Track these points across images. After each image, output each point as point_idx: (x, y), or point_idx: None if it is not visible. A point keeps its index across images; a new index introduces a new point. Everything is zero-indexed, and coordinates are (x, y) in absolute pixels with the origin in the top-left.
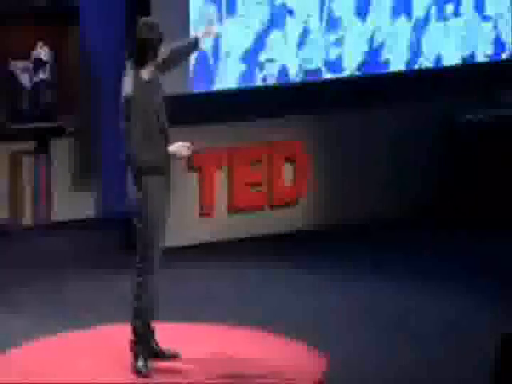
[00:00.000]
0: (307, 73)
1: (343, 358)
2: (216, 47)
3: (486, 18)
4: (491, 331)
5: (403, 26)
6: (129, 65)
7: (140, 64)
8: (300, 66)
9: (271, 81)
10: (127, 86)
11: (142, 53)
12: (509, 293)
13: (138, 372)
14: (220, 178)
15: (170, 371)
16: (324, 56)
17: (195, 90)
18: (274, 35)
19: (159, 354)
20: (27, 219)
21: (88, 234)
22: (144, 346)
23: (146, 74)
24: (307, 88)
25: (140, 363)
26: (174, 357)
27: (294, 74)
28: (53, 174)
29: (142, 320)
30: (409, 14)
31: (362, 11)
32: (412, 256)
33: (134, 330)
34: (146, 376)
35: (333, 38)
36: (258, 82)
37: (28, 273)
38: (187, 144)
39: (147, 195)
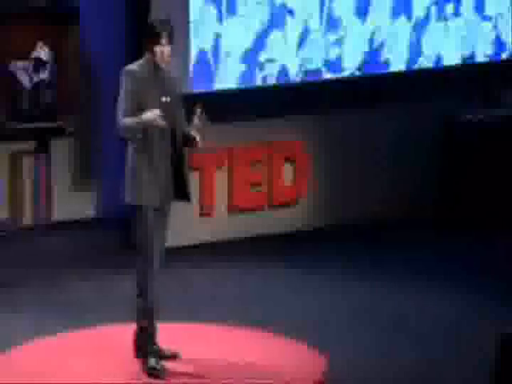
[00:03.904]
0: (307, 73)
1: (343, 358)
2: (216, 47)
3: (485, 18)
4: (491, 331)
5: (403, 26)
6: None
7: (147, 51)
8: (300, 65)
9: (271, 81)
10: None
11: (145, 38)
12: (509, 293)
13: (151, 369)
14: (220, 178)
15: (170, 371)
16: (324, 56)
17: (195, 90)
18: (274, 35)
19: (159, 354)
20: (27, 219)
21: (88, 234)
22: (151, 340)
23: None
24: (307, 88)
25: (152, 361)
26: (174, 357)
27: (294, 74)
28: (53, 173)
29: (147, 319)
30: (409, 14)
31: (362, 11)
32: (412, 256)
33: (142, 330)
34: (160, 372)
35: (333, 38)
36: (258, 82)
37: (28, 273)
38: (156, 111)
39: (136, 180)
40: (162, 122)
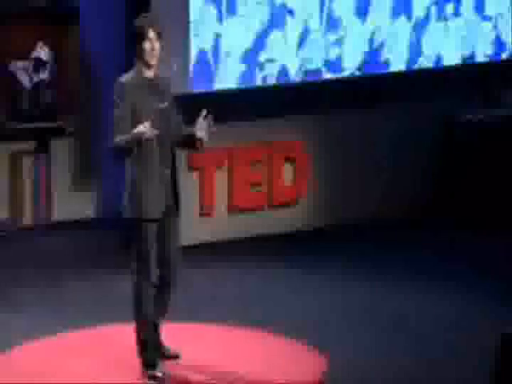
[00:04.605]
0: (307, 73)
1: (343, 358)
2: (216, 47)
3: (485, 18)
4: (491, 331)
5: (403, 25)
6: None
7: (138, 57)
8: (300, 65)
9: (271, 81)
10: (125, 75)
11: (135, 44)
12: (509, 293)
13: (151, 378)
14: (220, 178)
15: (169, 372)
16: (324, 56)
17: (195, 90)
18: (274, 35)
19: (159, 354)
20: (27, 219)
21: (88, 233)
22: (151, 350)
23: (149, 73)
24: (307, 88)
25: (151, 371)
26: (173, 357)
27: (294, 74)
28: (53, 173)
29: (146, 328)
30: (409, 14)
31: (362, 11)
32: (412, 256)
33: (140, 338)
34: (162, 380)
35: (333, 38)
36: (258, 82)
37: (28, 273)
38: (147, 124)
39: (135, 193)
40: (152, 133)
